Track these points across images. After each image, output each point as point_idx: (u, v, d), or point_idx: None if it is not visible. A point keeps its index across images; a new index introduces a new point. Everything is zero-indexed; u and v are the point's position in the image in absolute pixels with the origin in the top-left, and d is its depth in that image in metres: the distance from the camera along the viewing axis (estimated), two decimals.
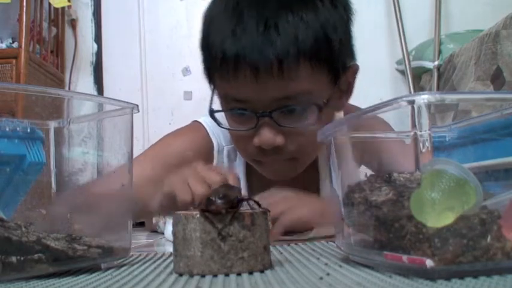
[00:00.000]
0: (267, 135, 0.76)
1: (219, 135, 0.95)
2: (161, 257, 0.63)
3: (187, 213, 0.47)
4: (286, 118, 0.77)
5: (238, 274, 0.46)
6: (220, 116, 0.84)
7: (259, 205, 0.51)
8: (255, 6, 0.75)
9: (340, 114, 0.93)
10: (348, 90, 0.87)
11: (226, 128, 0.84)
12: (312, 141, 0.80)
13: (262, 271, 0.47)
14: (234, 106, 0.78)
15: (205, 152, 0.95)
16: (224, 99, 0.82)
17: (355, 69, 0.85)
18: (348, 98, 0.88)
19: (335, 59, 0.77)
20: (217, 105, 0.83)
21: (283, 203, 0.68)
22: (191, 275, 0.46)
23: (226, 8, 0.78)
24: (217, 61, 0.76)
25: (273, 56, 0.72)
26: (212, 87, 0.83)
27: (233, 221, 0.46)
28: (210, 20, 0.80)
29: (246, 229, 0.46)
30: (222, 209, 0.46)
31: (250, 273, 0.46)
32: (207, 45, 0.79)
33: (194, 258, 0.46)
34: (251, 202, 0.51)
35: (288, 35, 0.72)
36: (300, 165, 0.84)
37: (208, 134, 0.95)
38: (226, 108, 0.81)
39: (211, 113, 0.82)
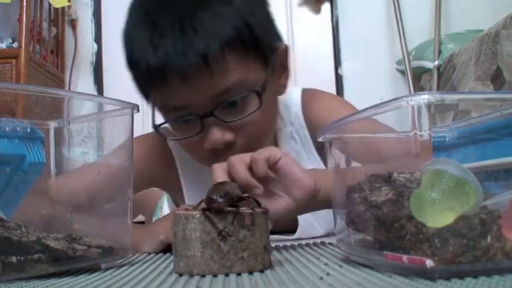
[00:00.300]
0: (215, 135, 0.75)
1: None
2: (161, 257, 0.63)
3: (187, 213, 0.47)
4: (229, 113, 0.76)
5: (238, 274, 0.46)
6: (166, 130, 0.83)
7: (259, 204, 0.51)
8: (166, 11, 0.74)
9: (287, 98, 0.93)
10: (284, 70, 0.86)
11: (175, 139, 0.83)
12: (262, 128, 0.80)
13: (262, 271, 0.47)
14: (175, 115, 0.77)
15: (167, 157, 0.94)
16: (164, 111, 0.80)
17: (284, 49, 0.85)
18: (287, 79, 0.87)
19: (260, 44, 0.76)
20: (160, 118, 0.82)
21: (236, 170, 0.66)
22: (191, 275, 0.46)
23: (139, 19, 0.77)
24: (145, 75, 0.75)
25: (196, 56, 0.71)
26: (150, 102, 0.82)
27: (234, 221, 0.46)
28: (127, 35, 0.79)
29: (246, 229, 0.46)
30: (223, 207, 0.46)
31: (250, 273, 0.46)
32: (131, 62, 0.78)
33: (194, 258, 0.46)
34: (251, 201, 0.51)
35: (206, 31, 0.72)
36: None
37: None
38: (168, 119, 0.80)
39: (155, 128, 0.80)
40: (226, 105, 0.75)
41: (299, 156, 0.90)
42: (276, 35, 0.83)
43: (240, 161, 0.61)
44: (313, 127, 0.91)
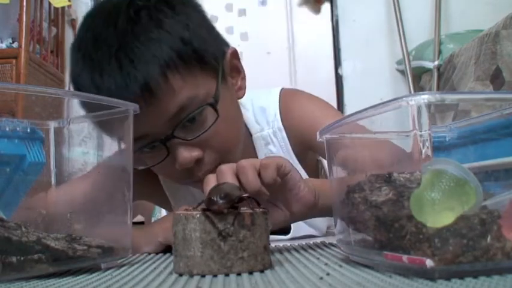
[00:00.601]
0: (183, 155, 0.75)
1: None
2: (161, 257, 0.63)
3: (187, 213, 0.47)
4: (190, 130, 0.75)
5: (238, 274, 0.46)
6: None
7: (258, 204, 0.51)
8: (100, 47, 0.73)
9: (265, 99, 0.92)
10: (239, 73, 0.86)
11: (146, 167, 0.81)
12: (228, 136, 0.79)
13: (262, 271, 0.47)
14: (138, 146, 0.76)
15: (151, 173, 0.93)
16: None
17: (232, 53, 0.84)
18: (243, 80, 0.86)
19: (202, 56, 0.75)
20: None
21: (254, 160, 0.65)
22: (191, 275, 0.46)
23: (78, 60, 0.76)
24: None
25: (138, 87, 0.69)
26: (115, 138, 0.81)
27: (234, 221, 0.46)
28: (74, 80, 0.78)
29: (246, 229, 0.46)
30: (223, 208, 0.46)
31: (250, 273, 0.46)
32: (83, 106, 0.79)
33: (194, 258, 0.46)
34: (251, 201, 0.51)
35: (142, 59, 0.70)
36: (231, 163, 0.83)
37: None
38: (134, 150, 0.79)
39: None
40: (184, 124, 0.74)
41: None
42: (219, 42, 0.82)
43: (250, 167, 0.60)
44: (291, 130, 0.90)
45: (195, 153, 0.76)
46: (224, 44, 0.83)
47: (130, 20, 0.73)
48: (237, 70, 0.86)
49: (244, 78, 0.87)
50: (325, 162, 0.98)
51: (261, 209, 0.50)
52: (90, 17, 0.79)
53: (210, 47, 0.77)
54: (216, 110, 0.75)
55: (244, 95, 0.87)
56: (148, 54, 0.71)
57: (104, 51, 0.72)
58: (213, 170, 0.78)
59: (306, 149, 0.90)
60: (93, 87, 0.72)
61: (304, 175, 0.89)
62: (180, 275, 0.47)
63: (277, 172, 0.60)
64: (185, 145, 0.75)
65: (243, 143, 0.87)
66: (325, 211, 0.65)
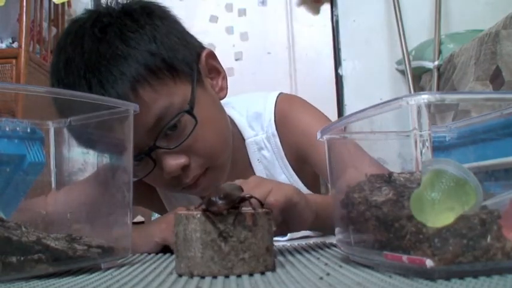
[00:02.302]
0: (169, 164, 0.75)
1: None
2: (161, 257, 0.63)
3: (188, 213, 0.47)
4: (172, 138, 0.75)
5: (239, 275, 0.45)
6: None
7: (262, 205, 0.51)
8: (70, 71, 0.73)
9: (261, 104, 0.91)
10: (218, 74, 0.85)
11: (137, 179, 0.80)
12: (212, 140, 0.79)
13: (263, 273, 0.46)
14: None
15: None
16: None
17: (208, 54, 0.83)
18: (224, 80, 0.86)
19: (173, 65, 0.75)
20: None
21: (263, 186, 0.65)
22: (191, 276, 0.46)
23: (54, 86, 0.76)
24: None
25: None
26: None
27: (235, 221, 0.45)
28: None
29: (247, 230, 0.45)
30: (223, 209, 0.45)
31: (251, 274, 0.46)
32: None
33: (195, 259, 0.46)
34: (253, 201, 0.50)
35: (111, 78, 0.71)
36: (221, 168, 0.82)
37: None
38: None
39: None
40: (166, 133, 0.74)
41: (270, 164, 0.89)
42: (191, 46, 0.81)
43: (259, 192, 0.58)
44: (285, 137, 0.89)
45: (181, 160, 0.76)
46: (198, 47, 0.83)
47: (96, 39, 0.73)
48: (216, 71, 0.85)
49: (225, 77, 0.86)
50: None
51: (263, 210, 0.49)
52: (62, 39, 0.78)
53: (180, 53, 0.76)
54: (193, 116, 0.75)
55: (226, 95, 0.86)
56: (116, 71, 0.71)
57: (74, 73, 0.72)
58: (200, 175, 0.79)
59: (301, 159, 0.89)
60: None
61: (302, 187, 0.88)
62: (180, 275, 0.47)
63: (285, 206, 0.59)
64: (169, 154, 0.75)
65: (235, 146, 0.86)
66: (320, 226, 0.65)
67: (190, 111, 0.75)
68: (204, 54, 0.82)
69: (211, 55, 0.84)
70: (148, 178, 0.81)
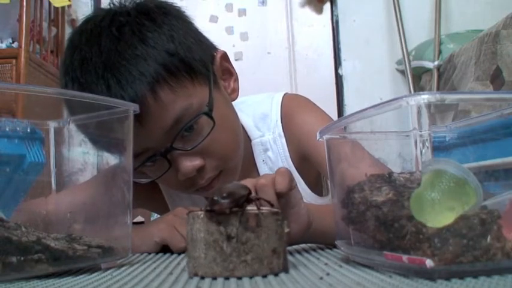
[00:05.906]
0: (185, 165, 0.75)
1: None
2: (161, 257, 0.63)
3: (194, 213, 0.46)
4: (189, 140, 0.75)
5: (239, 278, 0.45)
6: None
7: (271, 205, 0.49)
8: (88, 70, 0.72)
9: (267, 105, 0.91)
10: (231, 75, 0.85)
11: (151, 180, 0.81)
12: (227, 140, 0.79)
13: (265, 276, 0.45)
14: (140, 161, 0.76)
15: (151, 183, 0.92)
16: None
17: (222, 56, 0.83)
18: (236, 82, 0.86)
19: (191, 65, 0.75)
20: None
21: (262, 178, 0.63)
22: (192, 277, 0.46)
23: (68, 84, 0.75)
24: None
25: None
26: None
27: (237, 222, 0.44)
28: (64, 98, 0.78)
29: (249, 231, 0.44)
30: (226, 208, 0.44)
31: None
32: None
33: (199, 259, 0.45)
34: (262, 202, 0.48)
35: (129, 78, 0.70)
36: (233, 169, 0.82)
37: None
38: (136, 166, 0.77)
39: None
40: (182, 135, 0.74)
41: (274, 166, 0.89)
42: (206, 47, 0.81)
43: (267, 184, 0.59)
44: (291, 137, 0.89)
45: (196, 162, 0.75)
46: (212, 48, 0.83)
47: (114, 38, 0.73)
48: (229, 72, 0.85)
49: (237, 79, 0.86)
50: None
51: (271, 210, 0.47)
52: (75, 37, 0.78)
53: (197, 54, 0.76)
54: (211, 118, 0.75)
55: (237, 96, 0.86)
56: (135, 72, 0.70)
57: (91, 73, 0.72)
58: (218, 178, 0.78)
59: (304, 159, 0.89)
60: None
61: (305, 188, 0.88)
62: (190, 276, 0.47)
63: (290, 185, 0.59)
64: (185, 155, 0.75)
65: (243, 148, 0.86)
66: (318, 236, 0.65)
67: (209, 113, 0.75)
68: (218, 55, 0.82)
69: (225, 57, 0.84)
70: (161, 179, 0.80)
